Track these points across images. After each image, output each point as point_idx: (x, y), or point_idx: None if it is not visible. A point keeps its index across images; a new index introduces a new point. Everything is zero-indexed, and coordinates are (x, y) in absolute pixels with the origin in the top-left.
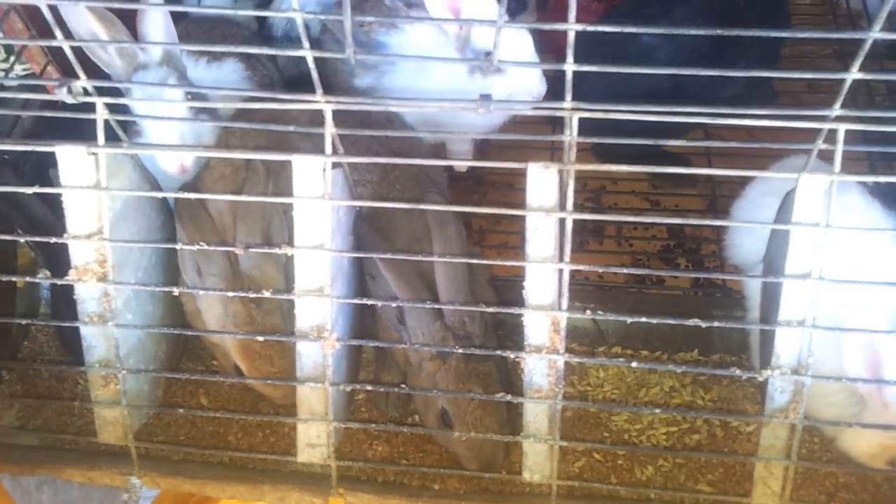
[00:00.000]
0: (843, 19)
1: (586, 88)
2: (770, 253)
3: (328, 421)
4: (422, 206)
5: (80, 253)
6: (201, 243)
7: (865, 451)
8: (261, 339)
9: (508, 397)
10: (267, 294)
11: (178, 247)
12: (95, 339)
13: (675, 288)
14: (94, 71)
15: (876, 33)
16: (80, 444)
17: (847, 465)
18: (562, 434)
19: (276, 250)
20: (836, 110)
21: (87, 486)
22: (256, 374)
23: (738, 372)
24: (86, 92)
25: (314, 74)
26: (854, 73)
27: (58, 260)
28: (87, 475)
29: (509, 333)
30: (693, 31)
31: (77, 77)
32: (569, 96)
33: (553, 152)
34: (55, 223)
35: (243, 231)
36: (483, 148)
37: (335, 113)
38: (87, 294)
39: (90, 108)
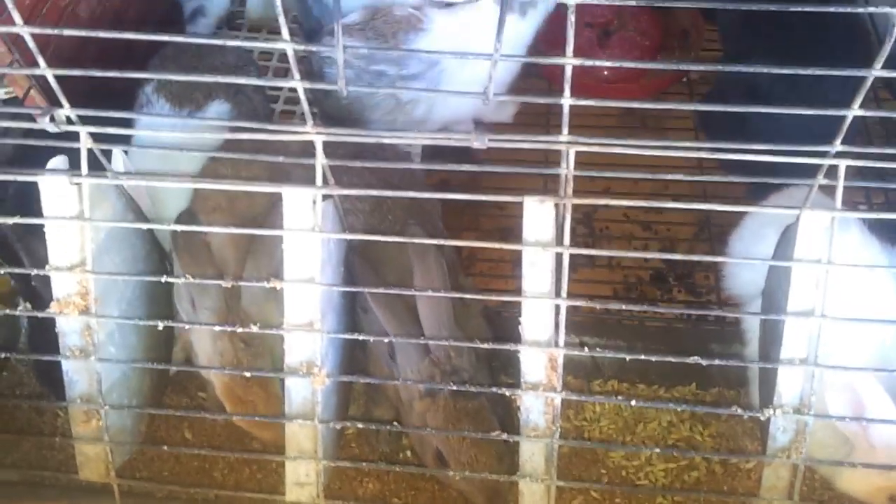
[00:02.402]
0: None
1: None
2: (769, 287)
3: (317, 459)
4: (411, 240)
5: (62, 285)
6: (189, 276)
7: (863, 492)
8: (248, 374)
9: (504, 436)
10: (254, 328)
11: (163, 279)
12: (77, 374)
13: (666, 317)
14: (78, 97)
15: (878, 71)
16: (61, 480)
17: None
18: (558, 470)
19: (265, 284)
20: (837, 146)
21: None
22: (240, 418)
23: (739, 411)
24: (69, 121)
25: (305, 106)
26: (855, 110)
27: (37, 290)
28: None
29: (504, 365)
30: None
31: (61, 105)
32: (565, 129)
33: (545, 183)
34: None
35: (252, 266)
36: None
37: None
38: (68, 327)
39: (73, 135)
